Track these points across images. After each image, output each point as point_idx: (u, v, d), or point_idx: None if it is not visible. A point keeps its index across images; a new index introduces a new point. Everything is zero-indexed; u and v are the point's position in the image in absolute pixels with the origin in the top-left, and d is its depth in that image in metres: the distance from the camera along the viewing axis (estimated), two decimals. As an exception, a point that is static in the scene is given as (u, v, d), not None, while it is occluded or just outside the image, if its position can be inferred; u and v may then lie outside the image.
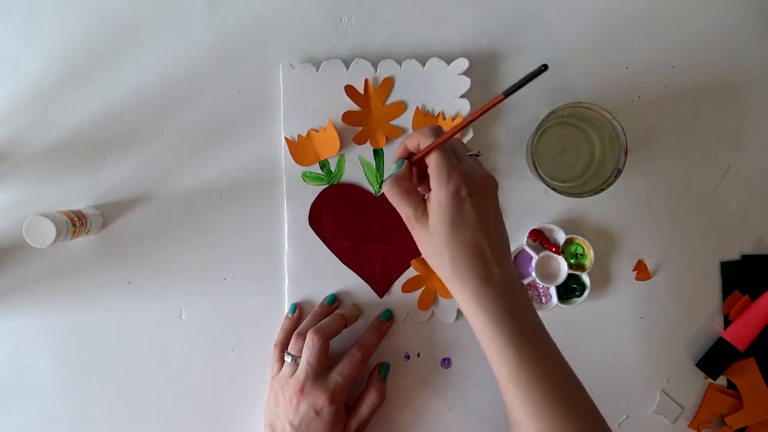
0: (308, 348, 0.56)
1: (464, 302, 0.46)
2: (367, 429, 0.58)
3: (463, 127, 0.45)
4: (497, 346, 0.45)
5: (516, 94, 0.61)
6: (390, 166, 0.61)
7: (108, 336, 0.61)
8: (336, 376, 0.56)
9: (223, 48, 0.61)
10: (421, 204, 0.47)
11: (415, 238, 0.48)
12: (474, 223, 0.45)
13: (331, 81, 0.60)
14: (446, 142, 0.47)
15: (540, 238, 0.61)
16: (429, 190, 0.47)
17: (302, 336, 0.57)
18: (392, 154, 0.50)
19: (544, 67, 0.38)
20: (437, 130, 0.47)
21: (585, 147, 0.60)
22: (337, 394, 0.55)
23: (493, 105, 0.44)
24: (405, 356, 0.62)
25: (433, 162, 0.46)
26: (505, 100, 0.61)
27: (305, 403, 0.54)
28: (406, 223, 0.48)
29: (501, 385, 0.47)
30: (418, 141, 0.48)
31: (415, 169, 0.50)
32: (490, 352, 0.46)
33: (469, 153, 0.50)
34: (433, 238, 0.46)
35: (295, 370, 0.56)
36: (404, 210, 0.48)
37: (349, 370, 0.56)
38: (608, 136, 0.57)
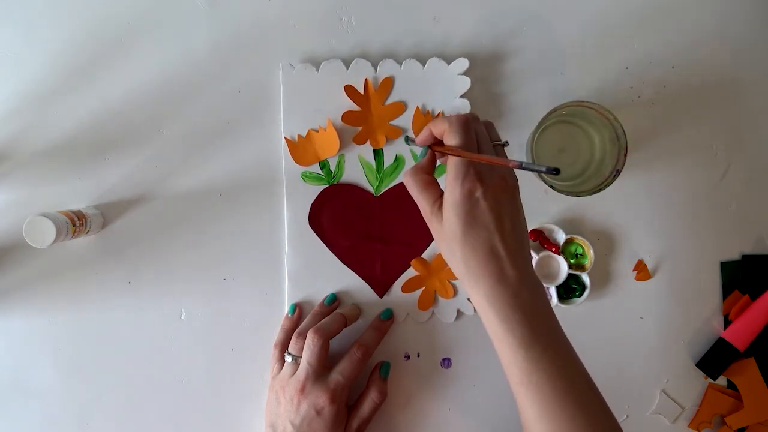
0: (309, 348, 0.56)
1: (477, 301, 0.46)
2: (367, 429, 0.58)
3: (472, 157, 0.45)
4: (509, 346, 0.45)
5: (516, 93, 0.62)
6: (391, 163, 0.61)
7: (108, 336, 0.61)
8: (337, 376, 0.56)
9: (223, 48, 0.61)
10: (438, 198, 0.47)
11: (432, 232, 0.48)
12: (488, 224, 0.45)
13: (331, 81, 0.60)
14: (471, 131, 0.46)
15: (540, 238, 0.61)
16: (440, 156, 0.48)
17: (302, 336, 0.57)
18: (419, 135, 0.50)
19: (556, 171, 0.40)
20: (465, 125, 0.46)
21: (585, 146, 0.60)
22: (338, 394, 0.55)
23: (503, 163, 0.44)
24: (405, 356, 0.62)
25: (453, 161, 0.45)
26: (506, 100, 0.62)
27: (306, 403, 0.54)
28: (423, 215, 0.48)
29: (512, 386, 0.46)
30: (443, 130, 0.47)
31: (438, 154, 0.49)
32: (501, 352, 0.46)
33: (494, 143, 0.49)
34: (447, 236, 0.46)
35: (296, 370, 0.56)
36: (421, 203, 0.47)
37: (350, 369, 0.56)
38: (608, 135, 0.57)
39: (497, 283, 0.45)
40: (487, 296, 0.45)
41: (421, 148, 0.49)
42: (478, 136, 0.47)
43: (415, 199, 0.48)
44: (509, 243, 0.45)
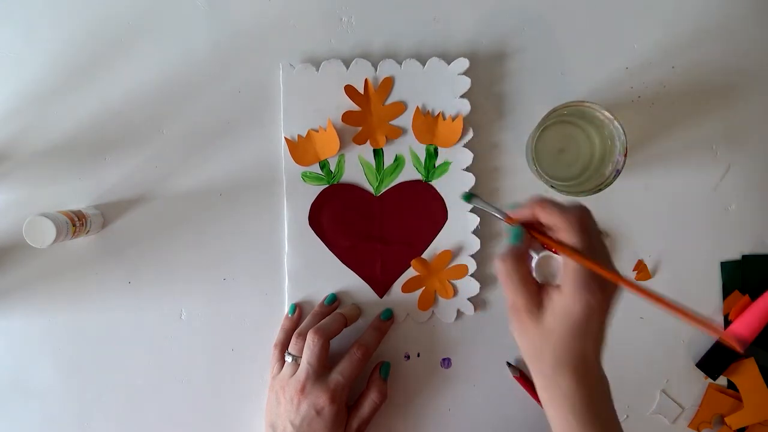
0: (309, 348, 0.56)
1: (549, 398, 0.45)
2: (367, 429, 0.58)
3: (638, 291, 0.42)
4: None
5: (516, 93, 0.62)
6: (393, 164, 0.61)
7: (108, 336, 0.61)
8: (337, 376, 0.56)
9: (223, 48, 0.61)
10: (536, 295, 0.44)
11: (515, 323, 0.45)
12: (595, 337, 0.43)
13: (331, 81, 0.60)
14: (589, 232, 0.43)
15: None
16: (538, 247, 0.45)
17: (303, 336, 0.57)
18: (517, 210, 0.46)
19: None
20: (584, 224, 0.43)
21: (585, 146, 0.60)
22: (338, 394, 0.55)
23: (702, 326, 0.41)
24: (405, 356, 0.62)
25: (573, 265, 0.42)
26: (506, 100, 0.62)
27: (306, 403, 0.55)
28: (511, 308, 0.45)
29: None
30: (556, 225, 0.43)
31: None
32: None
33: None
34: (543, 336, 0.43)
35: (296, 370, 0.56)
36: (516, 298, 0.44)
37: (350, 369, 0.56)
38: (608, 136, 0.57)
39: (579, 385, 0.43)
40: (565, 397, 0.43)
41: (507, 224, 0.46)
42: (594, 237, 0.43)
43: (507, 291, 0.44)
44: (600, 348, 0.44)
